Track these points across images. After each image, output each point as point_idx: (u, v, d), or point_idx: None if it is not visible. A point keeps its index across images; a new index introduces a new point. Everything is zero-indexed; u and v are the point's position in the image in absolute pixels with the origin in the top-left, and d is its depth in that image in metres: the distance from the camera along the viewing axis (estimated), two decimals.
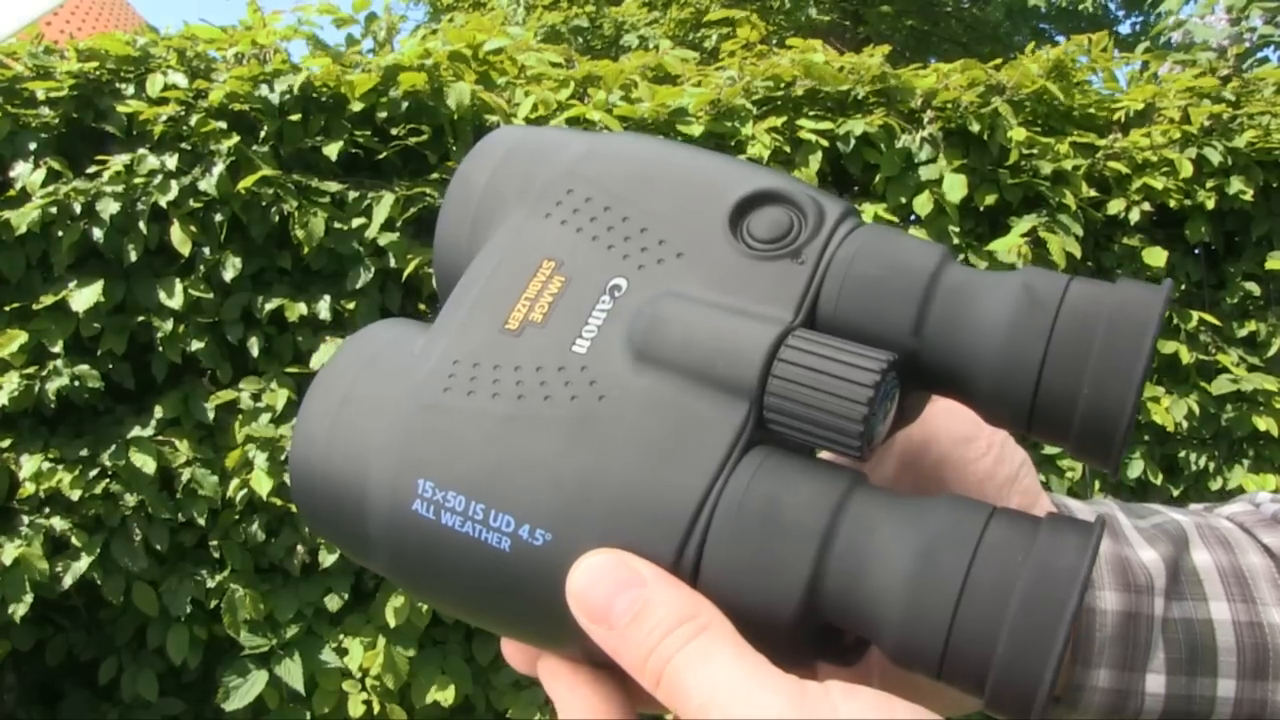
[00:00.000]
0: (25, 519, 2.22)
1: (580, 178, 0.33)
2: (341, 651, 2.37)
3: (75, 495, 2.19)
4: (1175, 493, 2.90)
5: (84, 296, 2.24)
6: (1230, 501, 0.49)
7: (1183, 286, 2.94)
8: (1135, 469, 2.84)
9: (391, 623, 2.32)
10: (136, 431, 2.31)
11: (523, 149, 0.35)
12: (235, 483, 2.30)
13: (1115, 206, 2.81)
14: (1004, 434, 0.42)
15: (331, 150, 2.37)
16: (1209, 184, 2.84)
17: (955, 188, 2.57)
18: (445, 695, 2.36)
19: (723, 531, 0.26)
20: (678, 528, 0.26)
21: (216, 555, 2.37)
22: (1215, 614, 0.41)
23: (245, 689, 2.27)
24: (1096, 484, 2.86)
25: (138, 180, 2.31)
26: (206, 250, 2.37)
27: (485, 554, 0.27)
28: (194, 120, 2.33)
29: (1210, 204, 2.82)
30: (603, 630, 0.26)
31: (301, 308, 2.36)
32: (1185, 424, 2.81)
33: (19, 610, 2.13)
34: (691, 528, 0.26)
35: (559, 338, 0.29)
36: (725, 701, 0.23)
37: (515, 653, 0.34)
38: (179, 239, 2.31)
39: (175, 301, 2.31)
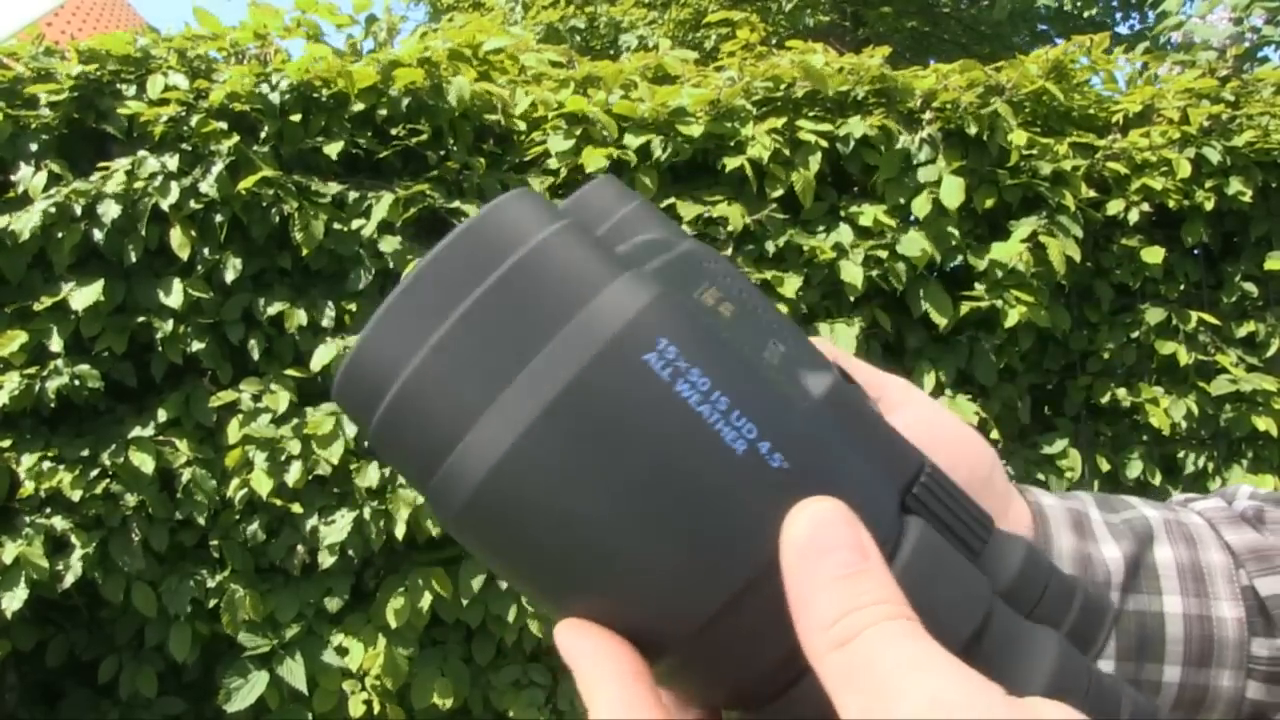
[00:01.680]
0: (25, 518, 2.23)
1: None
2: (341, 651, 2.37)
3: (75, 495, 2.20)
4: (1174, 492, 2.90)
5: (83, 295, 2.25)
6: (1209, 494, 0.51)
7: (1182, 287, 2.94)
8: (1135, 469, 2.84)
9: (391, 623, 2.33)
10: (137, 431, 2.31)
11: None
12: (235, 483, 2.31)
13: (1114, 207, 2.81)
14: (973, 434, 0.44)
15: (332, 150, 2.38)
16: (1208, 184, 2.84)
17: (953, 192, 2.57)
18: (445, 695, 2.36)
19: (907, 553, 0.28)
20: (890, 528, 0.28)
21: (216, 555, 2.37)
22: (1168, 607, 0.44)
23: (246, 690, 2.28)
24: (1096, 484, 2.86)
25: (138, 182, 2.31)
26: (207, 251, 2.38)
27: (711, 443, 0.26)
28: (194, 121, 2.33)
29: (1209, 205, 2.82)
30: (805, 571, 0.25)
31: (302, 312, 2.37)
32: (1184, 424, 2.81)
33: (12, 605, 2.13)
34: (895, 534, 0.28)
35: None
36: (934, 685, 0.23)
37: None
38: (178, 243, 2.32)
39: (175, 301, 2.31)
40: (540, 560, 0.27)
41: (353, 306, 2.42)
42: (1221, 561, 0.45)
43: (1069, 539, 0.45)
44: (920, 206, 2.60)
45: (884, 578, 0.25)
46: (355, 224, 2.40)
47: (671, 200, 2.54)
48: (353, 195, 2.42)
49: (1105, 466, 2.85)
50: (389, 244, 2.38)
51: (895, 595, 0.25)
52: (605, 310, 0.26)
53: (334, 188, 2.41)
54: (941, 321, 2.62)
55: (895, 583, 0.25)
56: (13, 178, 2.31)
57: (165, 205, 2.30)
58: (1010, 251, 2.62)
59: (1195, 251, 3.00)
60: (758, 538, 0.26)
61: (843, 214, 2.66)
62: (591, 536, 0.26)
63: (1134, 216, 2.78)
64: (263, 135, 2.40)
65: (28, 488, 2.18)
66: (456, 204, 2.44)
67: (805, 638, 0.25)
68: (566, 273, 0.27)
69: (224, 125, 2.35)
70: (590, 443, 0.26)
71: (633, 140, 2.52)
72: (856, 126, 2.62)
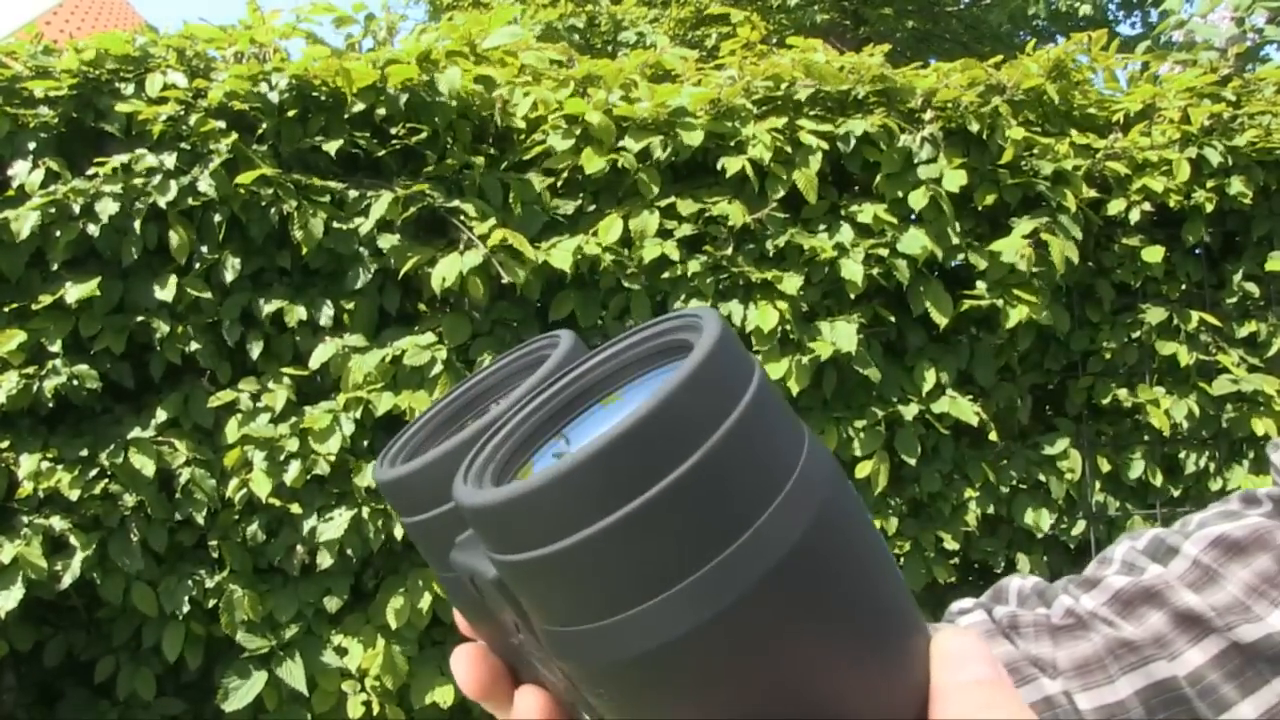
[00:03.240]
0: (24, 518, 2.22)
1: None
2: (341, 652, 2.36)
3: (74, 495, 2.19)
4: (1175, 493, 2.90)
5: (78, 290, 2.24)
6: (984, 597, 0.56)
7: (1183, 286, 2.94)
8: (1136, 469, 2.83)
9: (391, 623, 2.32)
10: (136, 432, 2.31)
11: None
12: (234, 483, 2.30)
13: (1115, 207, 2.80)
14: None
15: (331, 149, 2.37)
16: (1209, 184, 2.84)
17: (953, 181, 2.57)
18: (444, 695, 2.36)
19: None
20: None
21: (215, 555, 2.36)
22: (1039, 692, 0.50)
23: (245, 690, 2.27)
24: (1096, 484, 2.85)
25: (136, 180, 2.30)
26: (205, 250, 2.37)
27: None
28: (193, 120, 2.32)
29: (1210, 205, 2.82)
30: (950, 673, 0.28)
31: (301, 311, 2.36)
32: (1185, 424, 2.80)
33: (7, 604, 2.12)
34: None
35: None
36: None
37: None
38: (176, 244, 2.31)
39: (173, 299, 2.31)
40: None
41: (351, 305, 2.41)
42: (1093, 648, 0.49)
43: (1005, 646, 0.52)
44: (919, 200, 2.59)
45: (1011, 690, 0.28)
46: (354, 223, 2.39)
47: (672, 199, 2.54)
48: (352, 194, 2.41)
49: (1106, 467, 2.84)
50: (387, 242, 2.38)
51: (1023, 708, 0.28)
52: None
53: (333, 186, 2.40)
54: (941, 320, 2.62)
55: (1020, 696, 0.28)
56: (9, 174, 2.30)
57: (163, 203, 2.30)
58: (1012, 246, 2.62)
59: (1196, 251, 2.99)
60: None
61: (843, 213, 2.65)
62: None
63: (1135, 216, 2.78)
64: (261, 134, 2.39)
65: (26, 487, 2.18)
66: (455, 203, 2.44)
67: None
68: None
69: (222, 124, 2.34)
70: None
71: (632, 143, 2.51)
72: (857, 125, 2.61)
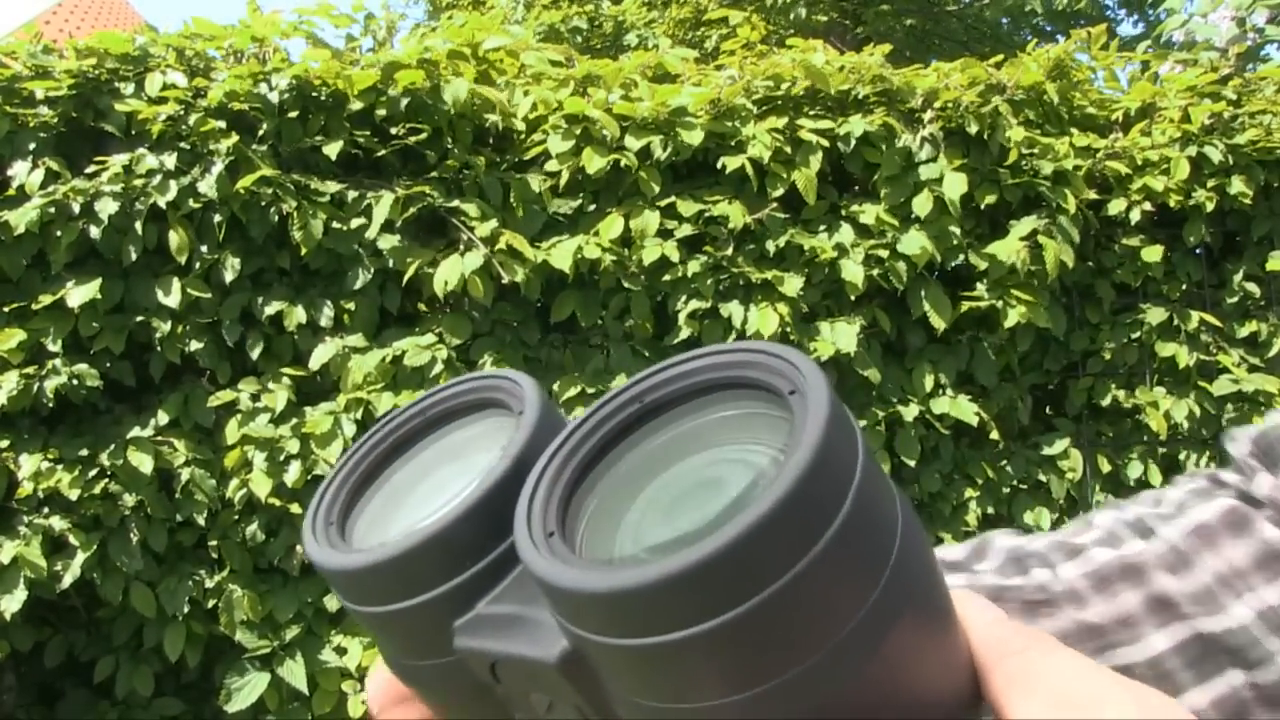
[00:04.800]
0: (24, 518, 2.22)
1: None
2: (341, 651, 2.36)
3: (74, 495, 2.19)
4: None
5: (81, 293, 2.24)
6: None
7: (1183, 286, 2.94)
8: (1135, 469, 2.83)
9: None
10: (135, 432, 2.30)
11: None
12: (234, 483, 2.30)
13: (1116, 206, 2.80)
14: None
15: (331, 150, 2.37)
16: (1209, 184, 2.83)
17: (955, 185, 2.57)
18: None
19: None
20: None
21: (215, 555, 2.36)
22: None
23: (247, 690, 2.27)
24: (1096, 484, 2.85)
25: (136, 180, 2.30)
26: (205, 250, 2.37)
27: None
28: (193, 119, 2.32)
29: (1210, 204, 2.81)
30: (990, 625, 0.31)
31: (301, 312, 2.36)
32: (1185, 424, 2.80)
33: (11, 606, 2.12)
34: None
35: None
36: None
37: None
38: (176, 245, 2.31)
39: (173, 301, 2.31)
40: None
41: (351, 306, 2.41)
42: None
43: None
44: (922, 205, 2.59)
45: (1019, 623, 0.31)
46: (354, 223, 2.39)
47: (672, 199, 2.53)
48: (351, 194, 2.41)
49: (1106, 467, 2.84)
50: (387, 242, 2.38)
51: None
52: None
53: (333, 187, 2.40)
54: (940, 323, 2.62)
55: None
56: (9, 173, 2.30)
57: (163, 204, 2.30)
58: (1008, 249, 2.62)
59: (1197, 251, 2.99)
60: None
61: (844, 213, 2.65)
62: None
63: (1135, 216, 2.78)
64: (261, 134, 2.39)
65: (26, 488, 2.17)
66: (456, 203, 2.43)
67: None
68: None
69: (222, 124, 2.34)
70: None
71: (633, 142, 2.51)
72: (857, 125, 2.61)
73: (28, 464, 2.19)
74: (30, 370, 2.21)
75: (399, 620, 0.31)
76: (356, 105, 2.43)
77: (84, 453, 2.26)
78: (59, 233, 2.26)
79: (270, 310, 2.36)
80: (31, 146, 2.31)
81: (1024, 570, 0.53)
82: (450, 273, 2.34)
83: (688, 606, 0.23)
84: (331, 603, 2.37)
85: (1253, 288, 2.92)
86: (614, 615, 0.24)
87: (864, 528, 0.24)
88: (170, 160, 2.32)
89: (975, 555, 0.55)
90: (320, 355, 2.36)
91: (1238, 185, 2.82)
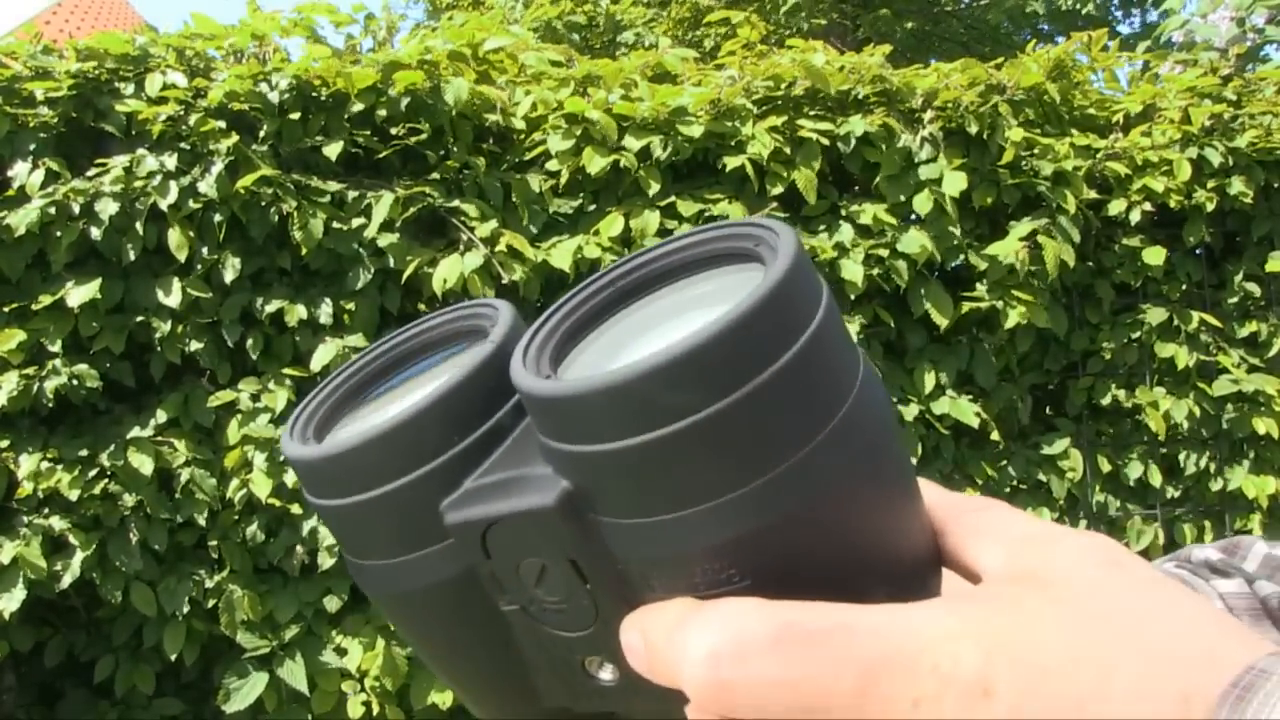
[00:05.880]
0: (24, 518, 2.22)
1: None
2: (341, 652, 2.36)
3: (74, 495, 2.19)
4: (1175, 493, 2.90)
5: (81, 293, 2.24)
6: (1219, 554, 0.53)
7: (1184, 286, 2.94)
8: (1135, 470, 2.83)
9: (391, 623, 2.32)
10: (135, 432, 2.30)
11: None
12: (234, 483, 2.30)
13: (1116, 207, 2.80)
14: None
15: (332, 150, 2.37)
16: (1210, 184, 2.84)
17: (955, 184, 2.57)
18: (444, 696, 2.35)
19: None
20: None
21: (215, 555, 2.36)
22: None
23: (247, 690, 2.27)
24: (1097, 485, 2.85)
25: (137, 181, 2.30)
26: (205, 250, 2.37)
27: None
28: (193, 120, 2.32)
29: (1210, 205, 2.82)
30: None
31: (301, 311, 2.36)
32: (1185, 425, 2.80)
33: (10, 606, 2.12)
34: None
35: None
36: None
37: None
38: (176, 244, 2.31)
39: (174, 301, 2.31)
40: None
41: (351, 305, 2.41)
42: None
43: None
44: (922, 204, 2.59)
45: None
46: (354, 223, 2.39)
47: (672, 199, 2.54)
48: (352, 194, 2.41)
49: (1106, 467, 2.84)
50: (387, 241, 2.38)
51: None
52: None
53: (333, 187, 2.40)
54: (942, 321, 2.62)
55: None
56: (10, 174, 2.30)
57: (164, 204, 2.30)
58: (1008, 249, 2.62)
59: (1197, 251, 2.99)
60: None
61: (843, 213, 2.65)
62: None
63: (1135, 216, 2.78)
64: (261, 134, 2.39)
65: (26, 488, 2.17)
66: (456, 203, 2.43)
67: None
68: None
69: (223, 124, 2.34)
70: None
71: (633, 142, 2.51)
72: (857, 125, 2.61)
73: (27, 464, 2.19)
74: (30, 370, 2.21)
75: (384, 505, 0.30)
76: (357, 106, 2.43)
77: (84, 453, 2.26)
78: (59, 233, 2.26)
79: (270, 310, 2.36)
80: (32, 147, 2.31)
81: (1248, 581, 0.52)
82: (450, 272, 2.34)
83: (683, 395, 0.25)
84: (331, 603, 2.37)
85: (1253, 288, 2.92)
86: (615, 413, 0.26)
87: (818, 365, 0.26)
88: (170, 161, 2.32)
89: (1229, 553, 0.53)
90: (321, 355, 2.36)
91: (1238, 186, 2.82)
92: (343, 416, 0.36)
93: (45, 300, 2.25)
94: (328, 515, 0.32)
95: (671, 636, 0.26)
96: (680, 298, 0.31)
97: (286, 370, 2.38)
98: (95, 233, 2.28)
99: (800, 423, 0.26)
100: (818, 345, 0.26)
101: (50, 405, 2.23)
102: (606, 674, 0.31)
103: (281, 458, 2.29)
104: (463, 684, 0.35)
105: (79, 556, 2.20)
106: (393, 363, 0.38)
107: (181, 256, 2.31)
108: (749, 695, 0.25)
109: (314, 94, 2.43)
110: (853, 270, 2.52)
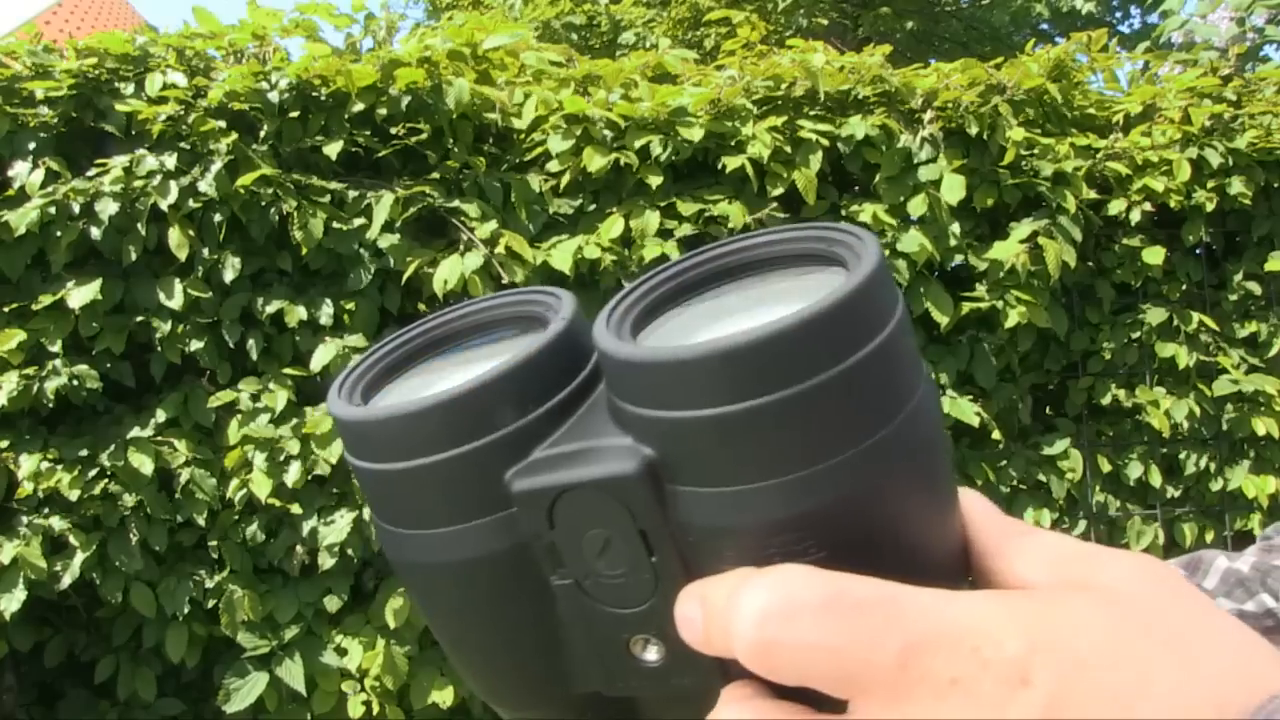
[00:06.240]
0: (24, 519, 2.22)
1: None
2: (341, 652, 2.36)
3: (74, 495, 2.19)
4: (1175, 493, 2.90)
5: (81, 294, 2.24)
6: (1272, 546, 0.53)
7: (1184, 286, 2.94)
8: (1135, 470, 2.83)
9: (390, 623, 2.32)
10: (135, 432, 2.30)
11: None
12: (234, 483, 2.30)
13: (1116, 207, 2.80)
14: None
15: (332, 150, 2.37)
16: (1210, 184, 2.84)
17: (953, 188, 2.57)
18: (444, 696, 2.35)
19: None
20: None
21: (215, 556, 2.36)
22: None
23: (246, 690, 2.27)
24: (1097, 485, 2.85)
25: (137, 181, 2.30)
26: (205, 250, 2.37)
27: None
28: (193, 119, 2.32)
29: (1210, 205, 2.82)
30: None
31: (301, 311, 2.36)
32: (1185, 425, 2.80)
33: (10, 606, 2.12)
34: None
35: None
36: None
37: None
38: (176, 243, 2.31)
39: (174, 302, 2.31)
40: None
41: (351, 306, 2.41)
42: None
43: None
44: (917, 207, 2.59)
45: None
46: (354, 223, 2.39)
47: (672, 199, 2.54)
48: (352, 194, 2.41)
49: (1106, 467, 2.84)
50: (387, 241, 2.38)
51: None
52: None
53: (333, 187, 2.40)
54: (943, 321, 2.62)
55: None
56: (10, 174, 2.30)
57: (164, 205, 2.30)
58: (1009, 251, 2.62)
59: (1197, 251, 2.99)
60: None
61: (843, 213, 2.65)
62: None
63: (1135, 216, 2.78)
64: (262, 134, 2.39)
65: (26, 488, 2.17)
66: (456, 203, 2.43)
67: None
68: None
69: (223, 124, 2.34)
70: None
71: (634, 141, 2.51)
72: (857, 126, 2.61)
73: (27, 464, 2.19)
74: (30, 370, 2.21)
75: (442, 471, 0.30)
76: (357, 105, 2.43)
77: (84, 453, 2.26)
78: (59, 233, 2.26)
79: (270, 310, 2.36)
80: (32, 146, 2.31)
81: (1250, 594, 0.53)
82: (450, 273, 2.34)
83: (785, 367, 0.26)
84: (331, 603, 2.37)
85: (1253, 288, 2.92)
86: (717, 379, 0.26)
87: (886, 369, 0.28)
88: (170, 160, 2.32)
89: (1190, 571, 0.54)
90: (321, 355, 2.35)
91: (1238, 186, 2.82)
92: (389, 383, 0.36)
93: (45, 300, 2.25)
94: (373, 479, 0.32)
95: (730, 599, 0.27)
96: (759, 291, 0.32)
97: (286, 370, 2.38)
98: (95, 233, 2.28)
99: (884, 403, 0.27)
100: (895, 340, 0.28)
101: (50, 405, 2.23)
102: (651, 654, 0.31)
103: (282, 457, 2.29)
104: (488, 665, 0.34)
105: (79, 557, 2.20)
106: (443, 338, 0.38)
107: (182, 256, 2.31)
108: (792, 657, 0.26)
109: (314, 94, 2.43)
110: None
